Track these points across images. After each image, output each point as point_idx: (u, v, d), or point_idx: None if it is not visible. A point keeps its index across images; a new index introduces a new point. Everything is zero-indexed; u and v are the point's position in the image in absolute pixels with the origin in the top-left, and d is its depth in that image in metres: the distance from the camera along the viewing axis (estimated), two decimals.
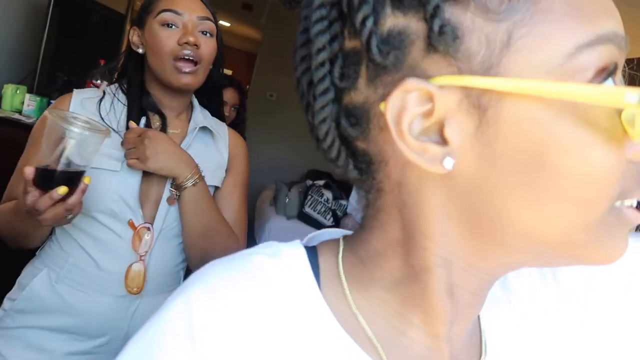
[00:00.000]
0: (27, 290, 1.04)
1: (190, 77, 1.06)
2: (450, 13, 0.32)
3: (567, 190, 0.31)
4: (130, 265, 1.03)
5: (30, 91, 2.47)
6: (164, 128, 1.09)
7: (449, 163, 0.33)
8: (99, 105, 1.08)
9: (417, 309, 0.39)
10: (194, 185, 1.02)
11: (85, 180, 0.90)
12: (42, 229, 1.02)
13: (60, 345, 1.02)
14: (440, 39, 0.32)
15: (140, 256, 1.04)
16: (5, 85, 2.44)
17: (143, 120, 1.08)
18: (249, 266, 0.39)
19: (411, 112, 0.33)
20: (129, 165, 1.01)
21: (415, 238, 0.37)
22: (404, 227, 0.37)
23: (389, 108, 0.33)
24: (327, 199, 4.17)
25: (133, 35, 1.12)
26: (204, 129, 1.15)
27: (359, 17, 0.33)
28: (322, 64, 0.35)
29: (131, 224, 1.02)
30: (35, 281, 1.04)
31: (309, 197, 4.18)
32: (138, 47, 1.12)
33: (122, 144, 1.02)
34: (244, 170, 1.21)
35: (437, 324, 0.39)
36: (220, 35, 1.14)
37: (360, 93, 0.36)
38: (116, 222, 1.02)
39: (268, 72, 5.19)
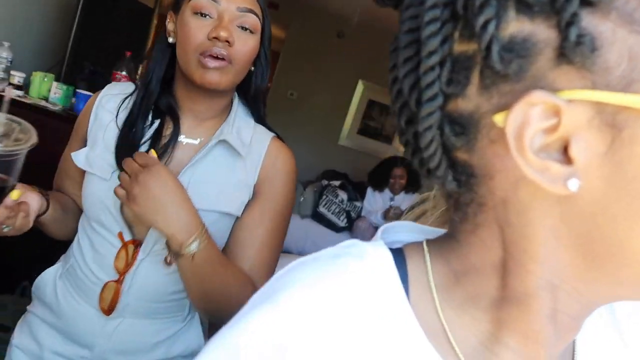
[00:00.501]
0: (39, 278, 1.02)
1: (216, 75, 0.89)
2: (588, 22, 0.29)
3: None
4: (108, 282, 0.93)
5: (57, 79, 2.53)
6: (174, 136, 0.94)
7: (574, 184, 0.30)
8: (122, 103, 0.97)
9: (515, 332, 0.37)
10: (191, 255, 0.81)
11: (12, 195, 0.79)
12: (46, 227, 0.96)
13: (50, 340, 0.98)
14: (577, 49, 0.29)
15: (120, 274, 0.92)
16: (34, 73, 2.50)
17: (155, 124, 0.95)
18: (337, 270, 0.38)
19: (534, 126, 0.30)
20: (115, 192, 0.85)
21: (518, 259, 0.35)
22: (505, 246, 0.35)
23: (510, 121, 0.31)
24: (342, 200, 4.19)
25: (169, 21, 0.98)
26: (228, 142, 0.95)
27: (480, 20, 0.30)
28: (432, 68, 0.33)
29: (120, 237, 0.92)
30: (47, 271, 1.02)
31: (324, 197, 4.20)
32: (169, 35, 0.97)
33: (122, 162, 0.86)
34: (279, 197, 0.96)
35: (536, 348, 0.37)
36: (268, 33, 0.98)
37: (470, 101, 0.33)
38: (108, 233, 0.93)
39: (290, 71, 5.21)
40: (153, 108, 0.97)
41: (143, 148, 0.93)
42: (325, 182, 4.45)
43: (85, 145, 0.99)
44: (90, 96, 1.03)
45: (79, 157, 0.95)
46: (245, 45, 0.91)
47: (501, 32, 0.31)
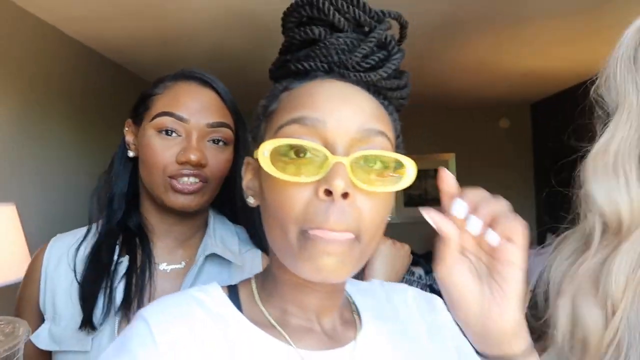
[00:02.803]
0: None
1: (190, 198, 0.83)
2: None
3: (272, 218, 0.50)
4: None
5: None
6: (147, 262, 0.84)
7: (250, 199, 0.57)
8: (76, 253, 0.85)
9: (290, 303, 0.55)
10: None
11: None
12: None
13: None
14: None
15: None
16: None
17: (125, 261, 0.83)
18: (186, 294, 0.55)
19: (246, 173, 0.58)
20: None
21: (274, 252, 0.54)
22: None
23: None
24: (420, 276, 3.96)
25: (127, 131, 0.90)
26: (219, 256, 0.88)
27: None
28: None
29: None
30: None
31: (402, 279, 4.04)
32: (129, 148, 0.90)
33: None
34: None
35: (300, 309, 0.55)
36: (244, 139, 0.90)
37: None
38: None
39: None
40: (121, 238, 0.87)
41: (119, 296, 0.82)
42: None
43: (41, 319, 0.84)
44: None
45: (40, 339, 0.82)
46: (219, 161, 0.86)
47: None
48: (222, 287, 0.58)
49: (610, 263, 0.53)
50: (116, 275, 0.83)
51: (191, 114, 0.83)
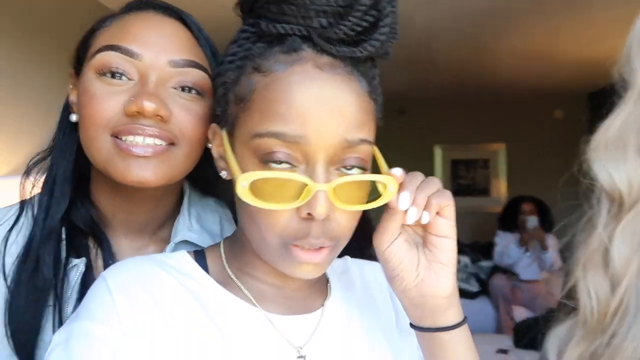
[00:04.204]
0: None
1: (150, 167, 0.58)
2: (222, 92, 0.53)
3: (252, 224, 0.51)
4: None
5: None
6: (106, 265, 0.63)
7: (223, 173, 0.54)
8: (8, 238, 0.63)
9: (251, 267, 0.57)
10: None
11: None
12: None
13: None
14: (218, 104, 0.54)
15: None
16: None
17: (81, 265, 0.62)
18: (149, 257, 0.56)
19: (215, 141, 0.55)
20: None
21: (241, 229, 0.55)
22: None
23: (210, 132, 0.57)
24: (466, 264, 3.97)
25: (71, 89, 0.66)
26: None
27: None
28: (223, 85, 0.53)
29: None
30: None
31: None
32: (72, 111, 0.65)
33: None
34: None
35: (268, 276, 0.57)
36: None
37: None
38: None
39: None
40: (64, 233, 0.64)
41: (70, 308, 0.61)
42: None
43: None
44: None
45: None
46: (191, 117, 0.60)
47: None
48: (189, 252, 0.58)
49: (613, 236, 0.54)
50: (67, 285, 0.62)
51: (146, 47, 0.59)
